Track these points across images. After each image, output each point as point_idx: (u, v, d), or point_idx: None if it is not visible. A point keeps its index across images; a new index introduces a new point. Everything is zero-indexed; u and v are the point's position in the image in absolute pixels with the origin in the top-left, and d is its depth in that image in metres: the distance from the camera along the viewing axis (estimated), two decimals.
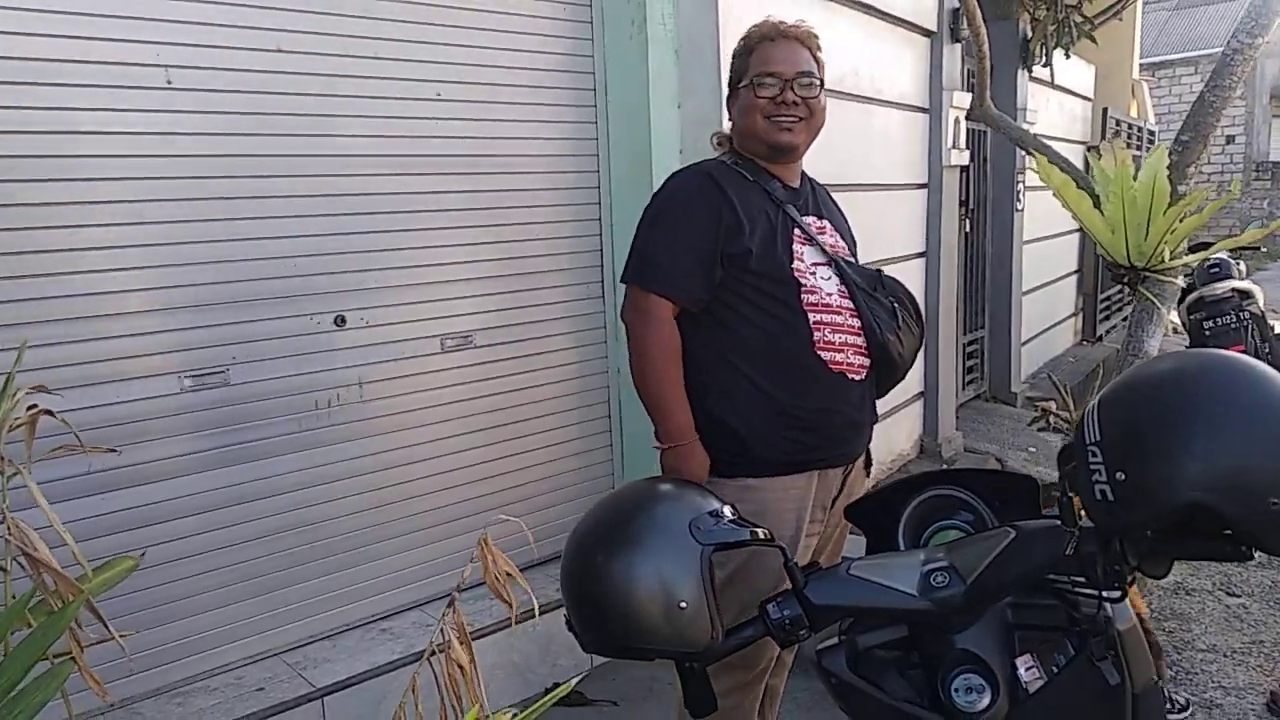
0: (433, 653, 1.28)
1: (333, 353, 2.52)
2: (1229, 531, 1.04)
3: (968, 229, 5.54)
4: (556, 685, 2.76)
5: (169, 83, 2.20)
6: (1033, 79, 5.87)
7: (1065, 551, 1.14)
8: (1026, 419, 5.25)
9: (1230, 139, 18.01)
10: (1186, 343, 5.86)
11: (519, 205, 2.85)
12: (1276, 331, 5.69)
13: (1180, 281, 2.50)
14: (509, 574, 1.24)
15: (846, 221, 2.07)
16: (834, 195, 2.08)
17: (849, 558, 1.32)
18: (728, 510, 1.25)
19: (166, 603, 2.29)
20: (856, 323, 1.85)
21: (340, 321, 2.53)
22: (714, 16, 2.97)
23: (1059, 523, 1.18)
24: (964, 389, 5.78)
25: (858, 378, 1.85)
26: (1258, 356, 4.97)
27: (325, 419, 2.53)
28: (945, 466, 3.70)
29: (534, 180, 2.88)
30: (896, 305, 1.92)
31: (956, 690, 1.20)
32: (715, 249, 1.79)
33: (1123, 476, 1.04)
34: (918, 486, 1.45)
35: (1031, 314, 6.54)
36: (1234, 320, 5.40)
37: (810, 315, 1.81)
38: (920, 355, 2.05)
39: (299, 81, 2.39)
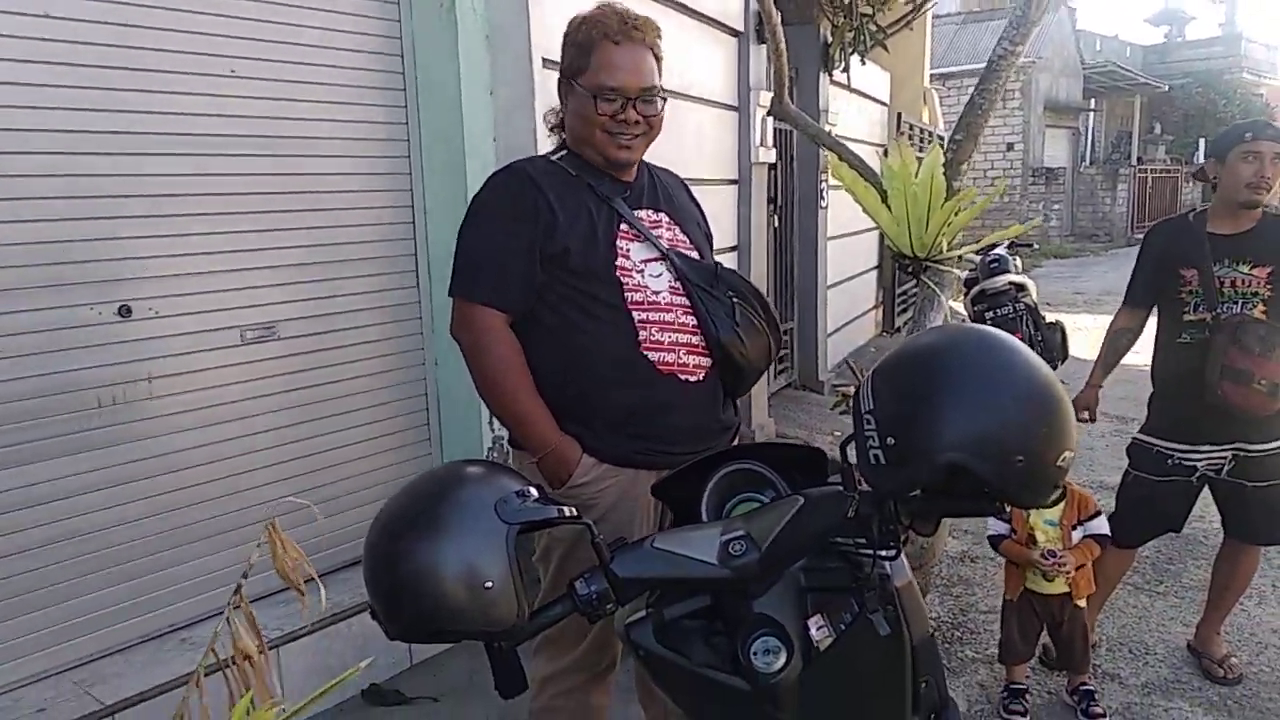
0: (222, 664, 1.21)
1: (116, 345, 2.34)
2: (986, 490, 1.15)
3: (776, 225, 5.79)
4: (374, 686, 2.70)
5: None
6: (833, 83, 6.20)
7: (847, 515, 1.22)
8: (831, 404, 5.55)
9: (1010, 146, 19.72)
10: None
11: (324, 190, 2.74)
12: (1048, 321, 6.31)
13: (958, 271, 2.73)
14: (298, 562, 1.19)
15: (698, 208, 1.99)
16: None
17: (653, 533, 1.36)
18: (534, 490, 1.25)
19: None
20: (691, 320, 1.78)
21: (125, 312, 2.35)
22: (523, 3, 2.96)
23: (841, 489, 1.26)
24: (775, 378, 6.05)
25: (694, 379, 1.78)
26: (1030, 342, 5.49)
27: (108, 417, 2.34)
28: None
29: (340, 164, 2.77)
30: (736, 301, 1.83)
31: (755, 653, 1.25)
32: (534, 250, 1.70)
33: (892, 441, 1.12)
34: (718, 462, 1.51)
35: (836, 307, 6.92)
36: (1011, 311, 5.92)
37: (635, 314, 1.74)
38: None
39: (72, 51, 2.20)
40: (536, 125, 2.98)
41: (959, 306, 6.94)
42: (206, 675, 1.15)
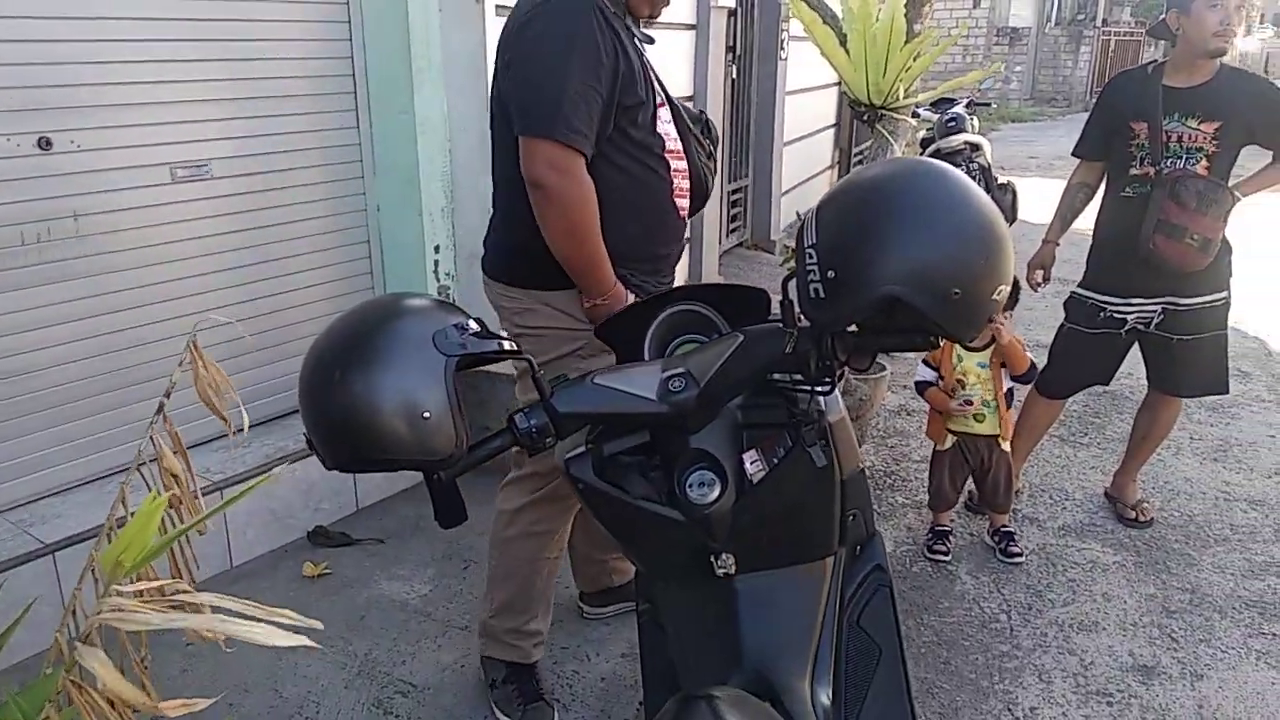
0: (142, 465, 1.20)
1: (38, 180, 2.23)
2: (921, 323, 1.16)
3: (734, 76, 5.62)
4: (320, 528, 2.75)
5: None
6: None
7: (785, 351, 1.23)
8: (781, 261, 5.56)
9: (977, 3, 19.19)
10: None
11: (254, 18, 2.58)
12: (1000, 181, 6.32)
13: (912, 121, 2.69)
14: (222, 385, 1.17)
15: None
16: None
17: (594, 370, 1.36)
18: (473, 323, 1.23)
19: None
20: (685, 165, 1.85)
21: (44, 144, 2.23)
22: None
23: (781, 325, 1.27)
24: (727, 236, 6.02)
25: (685, 217, 1.90)
26: None
27: (34, 255, 2.25)
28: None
29: None
30: (713, 148, 1.93)
31: (690, 486, 1.27)
32: (613, 99, 1.65)
33: (833, 274, 1.12)
34: (662, 303, 1.50)
35: (792, 165, 6.82)
36: (966, 170, 5.92)
37: (671, 163, 1.79)
38: None
39: None
40: None
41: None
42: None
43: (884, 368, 3.57)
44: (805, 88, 6.80)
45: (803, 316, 1.22)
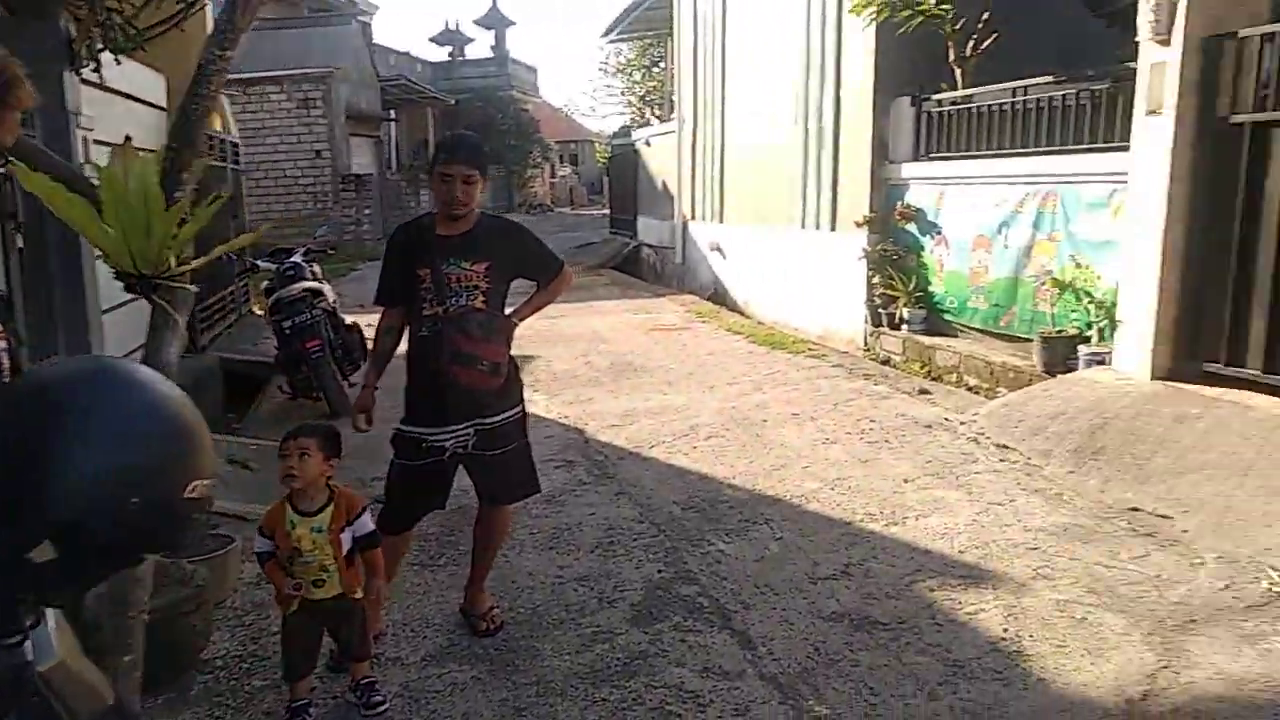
0: None
1: None
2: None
3: (21, 244, 4.93)
4: None
5: None
6: (86, 83, 5.49)
7: None
8: None
9: (318, 153, 19.98)
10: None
11: None
12: (347, 323, 6.49)
13: (193, 288, 2.58)
14: None
15: None
16: None
17: None
18: None
19: None
20: None
21: None
22: None
23: None
24: None
25: None
26: (331, 346, 5.58)
27: None
28: None
29: None
30: None
31: None
32: None
33: None
34: None
35: (127, 329, 6.20)
36: (309, 317, 5.98)
37: None
38: None
39: None
40: None
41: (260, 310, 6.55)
42: None
43: (232, 539, 3.34)
44: None
45: None
